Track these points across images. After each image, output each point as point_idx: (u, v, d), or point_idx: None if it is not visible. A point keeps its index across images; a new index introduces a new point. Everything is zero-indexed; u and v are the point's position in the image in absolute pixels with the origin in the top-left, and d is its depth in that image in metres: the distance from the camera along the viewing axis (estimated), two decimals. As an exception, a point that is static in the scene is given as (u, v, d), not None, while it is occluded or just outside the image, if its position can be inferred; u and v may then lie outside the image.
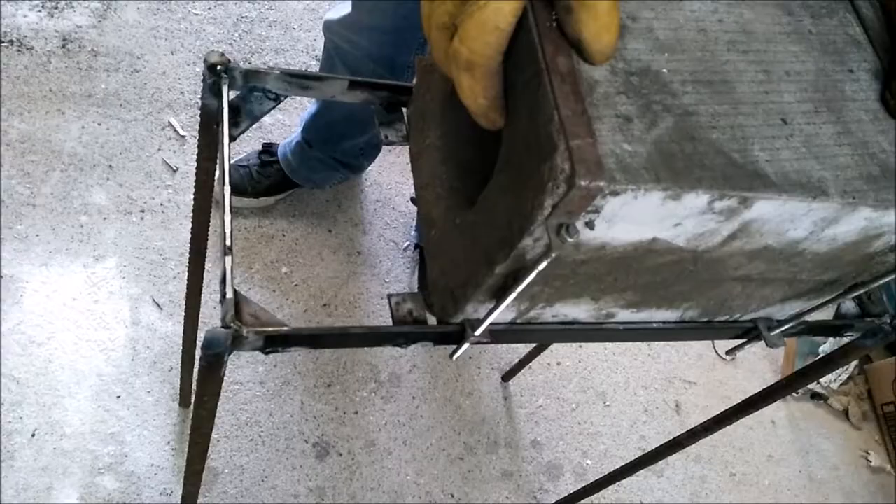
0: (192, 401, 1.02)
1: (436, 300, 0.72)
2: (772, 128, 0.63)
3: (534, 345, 1.77)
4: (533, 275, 0.59)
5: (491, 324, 0.68)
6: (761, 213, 0.61)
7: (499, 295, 0.65)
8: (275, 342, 0.68)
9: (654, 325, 0.78)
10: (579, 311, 0.73)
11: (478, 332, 0.68)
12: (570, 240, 0.56)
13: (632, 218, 0.58)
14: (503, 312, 0.67)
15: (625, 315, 0.75)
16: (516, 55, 0.60)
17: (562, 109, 0.55)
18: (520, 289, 0.61)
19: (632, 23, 0.63)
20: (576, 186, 0.53)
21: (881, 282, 0.74)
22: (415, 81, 0.80)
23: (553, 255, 0.56)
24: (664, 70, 0.62)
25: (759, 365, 2.26)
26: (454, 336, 0.71)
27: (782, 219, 0.62)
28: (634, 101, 0.59)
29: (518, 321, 0.72)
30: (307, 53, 2.15)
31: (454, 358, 0.72)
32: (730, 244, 0.64)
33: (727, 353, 0.91)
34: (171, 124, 1.87)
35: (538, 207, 0.56)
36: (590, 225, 0.58)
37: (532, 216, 0.56)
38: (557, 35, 0.58)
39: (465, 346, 0.70)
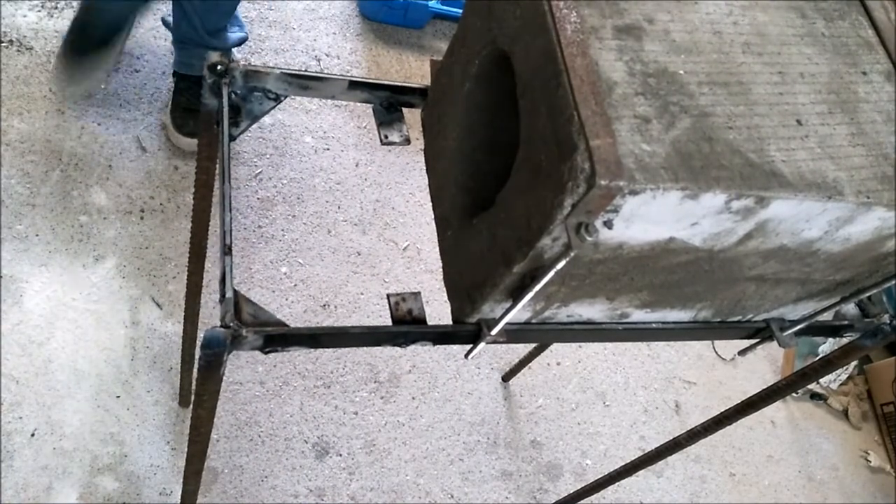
0: (192, 400, 1.02)
1: (452, 300, 0.72)
2: (787, 128, 0.63)
3: (534, 344, 1.77)
4: (551, 273, 0.59)
5: (507, 323, 0.68)
6: (777, 213, 0.61)
7: (515, 294, 0.65)
8: (274, 341, 0.68)
9: (668, 324, 0.79)
10: (594, 310, 0.73)
11: (494, 332, 0.69)
12: (589, 239, 0.56)
13: (650, 217, 0.58)
14: (519, 312, 0.67)
15: (639, 315, 0.76)
16: (535, 58, 0.60)
17: (581, 110, 0.56)
18: (537, 287, 0.61)
19: (648, 25, 0.64)
20: (596, 186, 0.53)
21: (893, 282, 0.75)
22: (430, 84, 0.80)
23: (572, 253, 0.57)
24: (681, 71, 0.62)
25: (759, 365, 2.27)
26: (469, 335, 0.71)
27: (798, 218, 0.63)
28: (652, 102, 0.60)
29: (533, 321, 0.73)
30: (307, 53, 2.14)
31: (470, 357, 0.72)
32: (745, 244, 0.65)
33: (739, 353, 0.92)
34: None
35: (557, 207, 0.56)
36: (608, 224, 0.58)
37: (551, 215, 0.57)
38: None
39: (482, 345, 0.70)
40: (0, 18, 1.84)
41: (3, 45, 1.82)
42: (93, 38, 1.73)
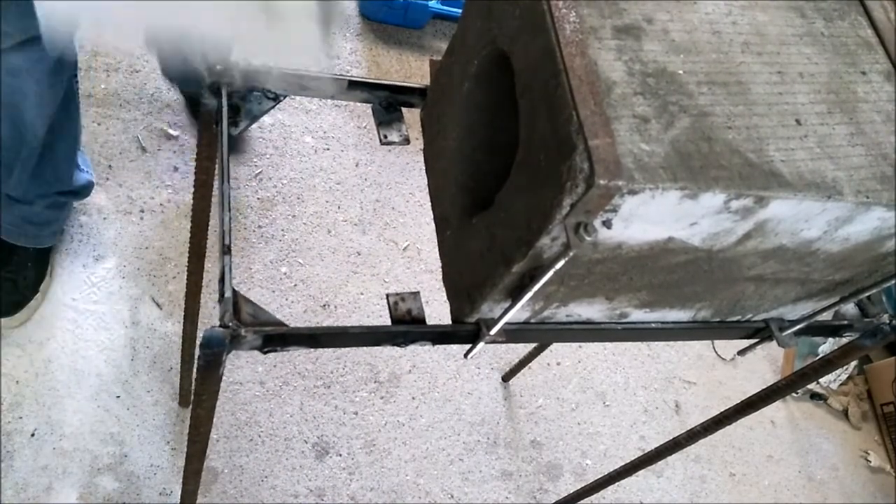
0: (192, 400, 1.01)
1: (451, 300, 0.72)
2: (786, 128, 0.63)
3: (534, 344, 1.77)
4: (550, 273, 0.59)
5: (506, 323, 0.68)
6: (776, 213, 0.61)
7: (515, 294, 0.65)
8: (273, 341, 0.68)
9: (667, 324, 0.79)
10: (593, 310, 0.73)
11: (493, 331, 0.69)
12: (588, 238, 0.56)
13: (649, 217, 0.58)
14: (518, 312, 0.67)
15: (638, 315, 0.76)
16: (535, 58, 0.60)
17: (580, 110, 0.56)
18: (536, 287, 0.61)
19: (648, 25, 0.64)
20: (595, 186, 0.53)
21: (892, 282, 0.75)
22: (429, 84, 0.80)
23: (571, 253, 0.57)
24: (680, 71, 0.62)
25: (759, 365, 2.27)
26: (468, 335, 0.71)
27: (797, 218, 0.63)
28: (651, 101, 0.60)
29: (532, 321, 0.73)
30: (307, 53, 2.14)
31: (469, 357, 0.72)
32: (744, 243, 0.65)
33: (739, 352, 0.92)
34: (169, 124, 1.87)
35: (557, 206, 0.56)
36: (607, 224, 0.58)
37: (550, 215, 0.57)
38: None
39: (481, 344, 0.70)
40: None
41: (3, 45, 1.82)
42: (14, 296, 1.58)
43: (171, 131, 1.87)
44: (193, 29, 0.62)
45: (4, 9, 1.12)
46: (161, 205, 1.77)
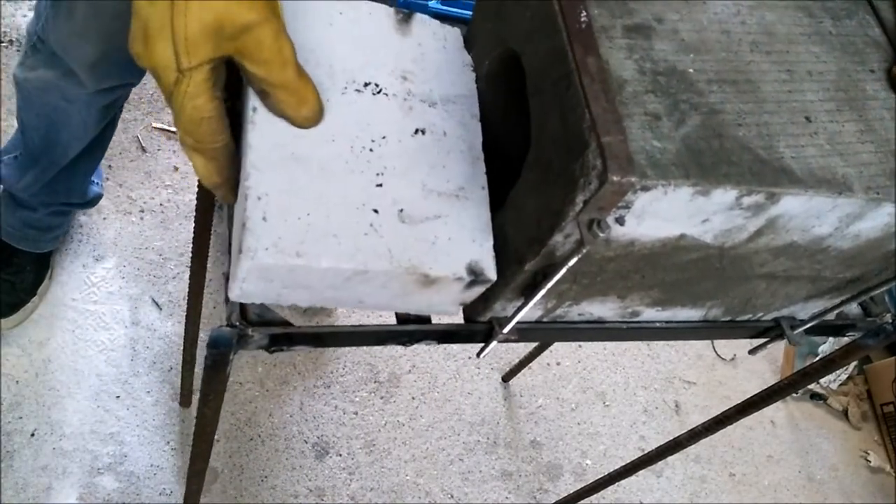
0: (194, 400, 1.00)
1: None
2: (796, 125, 0.64)
3: (534, 344, 1.77)
4: (563, 270, 0.59)
5: (518, 322, 0.68)
6: (787, 209, 0.62)
7: (527, 293, 0.65)
8: (280, 341, 0.68)
9: (679, 323, 0.79)
10: (605, 309, 0.73)
11: (506, 330, 0.69)
12: (601, 235, 0.56)
13: (661, 214, 0.59)
14: (531, 310, 0.67)
15: (650, 314, 0.76)
16: (546, 57, 0.61)
17: (593, 108, 0.56)
18: (549, 285, 0.61)
19: (658, 24, 0.64)
20: (608, 182, 0.53)
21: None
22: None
23: (584, 250, 0.57)
24: (690, 70, 0.63)
25: (759, 365, 2.27)
26: (481, 334, 0.71)
27: (808, 214, 0.63)
28: (662, 99, 0.60)
29: (545, 319, 0.73)
30: (306, 54, 2.14)
31: (482, 356, 0.72)
32: (756, 240, 0.65)
33: (750, 351, 0.91)
34: (169, 124, 1.86)
35: (569, 204, 0.56)
36: (620, 221, 0.58)
37: (563, 213, 0.57)
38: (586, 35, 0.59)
39: (493, 343, 0.70)
40: (0, 18, 1.84)
41: (3, 45, 1.81)
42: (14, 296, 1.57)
43: (171, 131, 1.86)
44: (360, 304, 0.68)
45: (110, 60, 1.16)
46: (161, 205, 1.77)
